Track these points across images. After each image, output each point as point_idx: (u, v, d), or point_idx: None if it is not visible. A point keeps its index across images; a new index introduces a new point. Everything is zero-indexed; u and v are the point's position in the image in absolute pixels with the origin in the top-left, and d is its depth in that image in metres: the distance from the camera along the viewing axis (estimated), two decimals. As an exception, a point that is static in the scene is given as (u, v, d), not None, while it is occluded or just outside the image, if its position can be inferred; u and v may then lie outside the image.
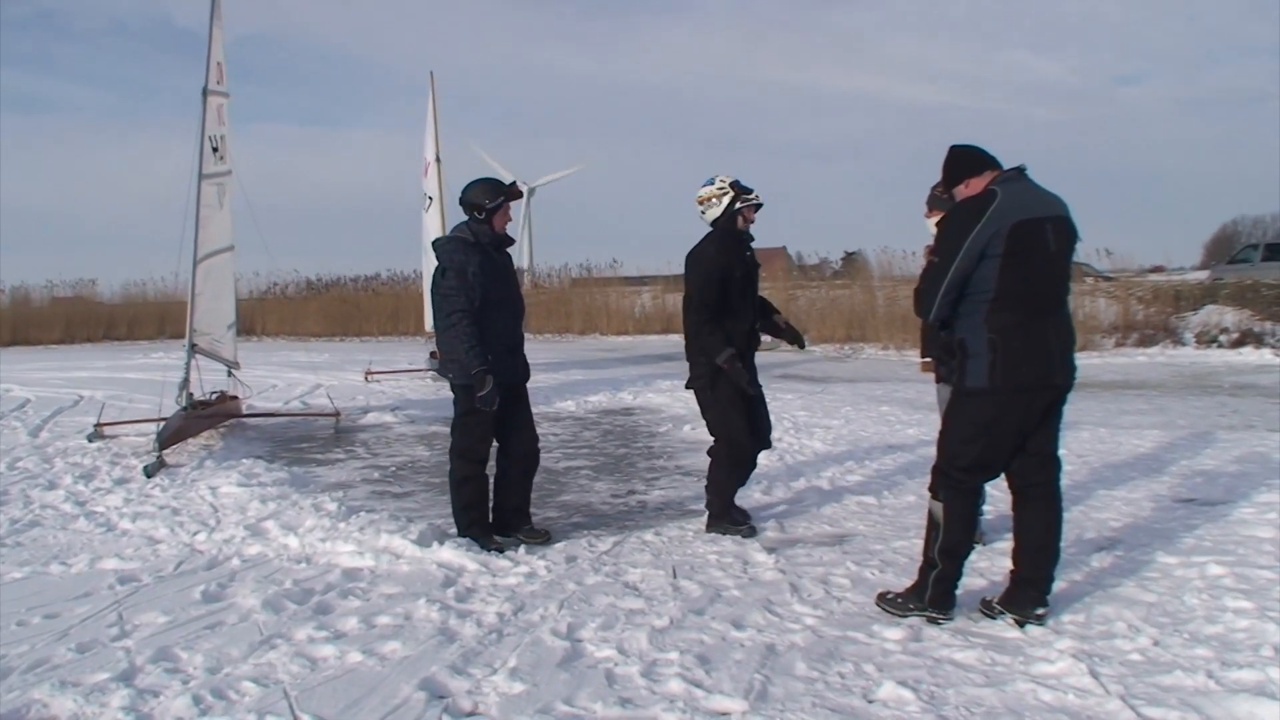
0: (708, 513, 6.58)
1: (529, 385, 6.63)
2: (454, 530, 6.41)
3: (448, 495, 7.84)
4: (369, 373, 17.81)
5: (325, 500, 7.41)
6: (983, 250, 4.37)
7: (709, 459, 6.65)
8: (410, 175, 19.04)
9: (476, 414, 6.11)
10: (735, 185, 6.46)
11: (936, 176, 6.15)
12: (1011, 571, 4.73)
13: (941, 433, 4.73)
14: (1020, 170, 4.59)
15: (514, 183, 6.44)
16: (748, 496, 7.13)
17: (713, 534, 6.41)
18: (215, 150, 11.63)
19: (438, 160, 18.10)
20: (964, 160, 4.71)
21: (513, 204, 6.32)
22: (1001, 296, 4.39)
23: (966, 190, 4.64)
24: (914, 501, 7.13)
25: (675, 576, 5.53)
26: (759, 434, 6.64)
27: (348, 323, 34.92)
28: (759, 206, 6.57)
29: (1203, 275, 32.63)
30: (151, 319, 35.71)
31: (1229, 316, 20.72)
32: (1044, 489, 4.66)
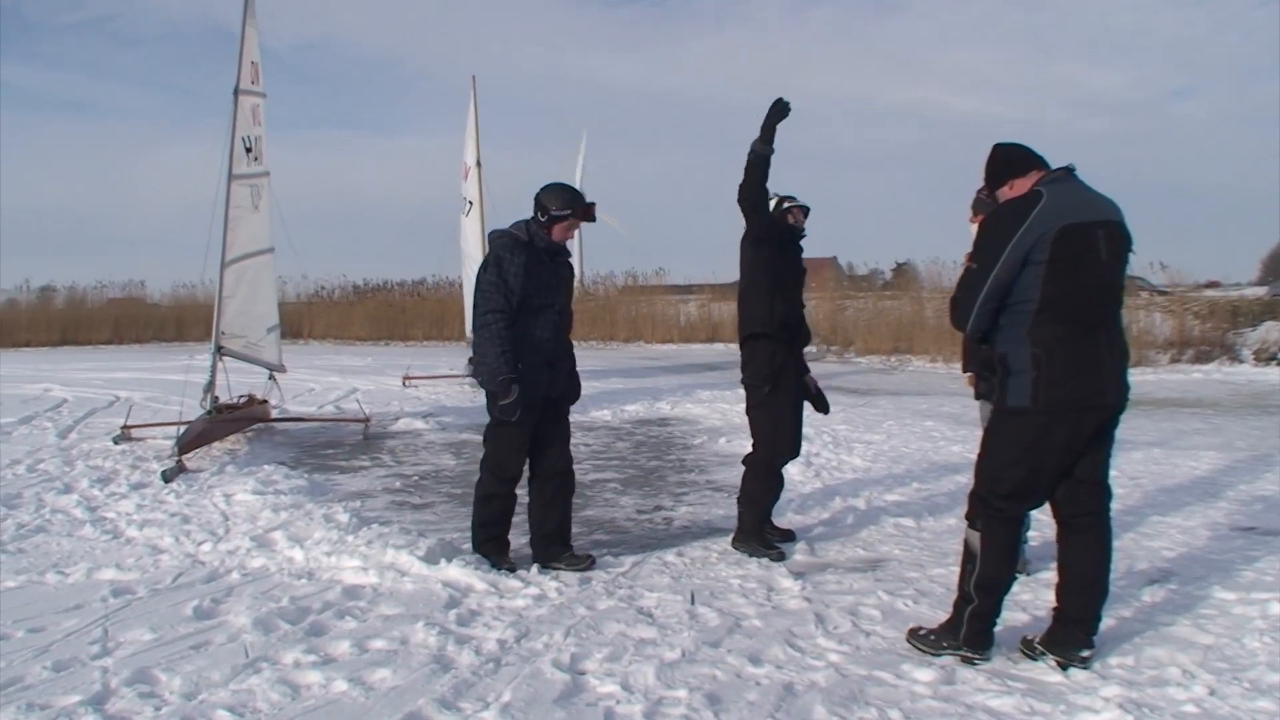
0: (737, 527, 6.23)
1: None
2: (467, 546, 6.11)
3: (468, 508, 7.61)
4: (406, 378, 17.60)
5: (339, 511, 7.13)
6: (1025, 256, 4.00)
7: (744, 468, 6.32)
8: (454, 180, 18.83)
9: (507, 425, 5.73)
10: (778, 195, 6.27)
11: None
12: (1055, 608, 4.34)
13: (980, 456, 4.35)
14: (1069, 170, 4.22)
15: (592, 204, 5.99)
16: (779, 515, 6.76)
17: (739, 554, 6.06)
18: (249, 151, 11.46)
19: (478, 164, 17.88)
20: (1008, 159, 4.33)
21: (580, 223, 6.01)
22: (1046, 307, 4.02)
23: (1011, 192, 4.27)
24: (955, 525, 6.73)
25: (693, 603, 5.18)
26: (797, 443, 6.33)
27: (393, 327, 34.89)
28: (807, 210, 6.38)
29: (1260, 291, 31.76)
30: (200, 320, 35.58)
31: (1289, 334, 20.04)
32: (1092, 519, 4.26)
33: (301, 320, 35.80)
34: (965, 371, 5.82)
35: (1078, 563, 4.27)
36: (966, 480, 8.26)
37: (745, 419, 6.41)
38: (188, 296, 38.44)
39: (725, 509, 7.18)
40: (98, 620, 4.98)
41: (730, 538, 6.25)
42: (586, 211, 5.89)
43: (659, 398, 14.68)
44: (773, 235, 6.16)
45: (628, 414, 13.26)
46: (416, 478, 8.96)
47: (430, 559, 5.74)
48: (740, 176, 5.99)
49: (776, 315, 6.14)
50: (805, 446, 9.74)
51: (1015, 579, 4.37)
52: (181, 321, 36.45)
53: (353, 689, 4.07)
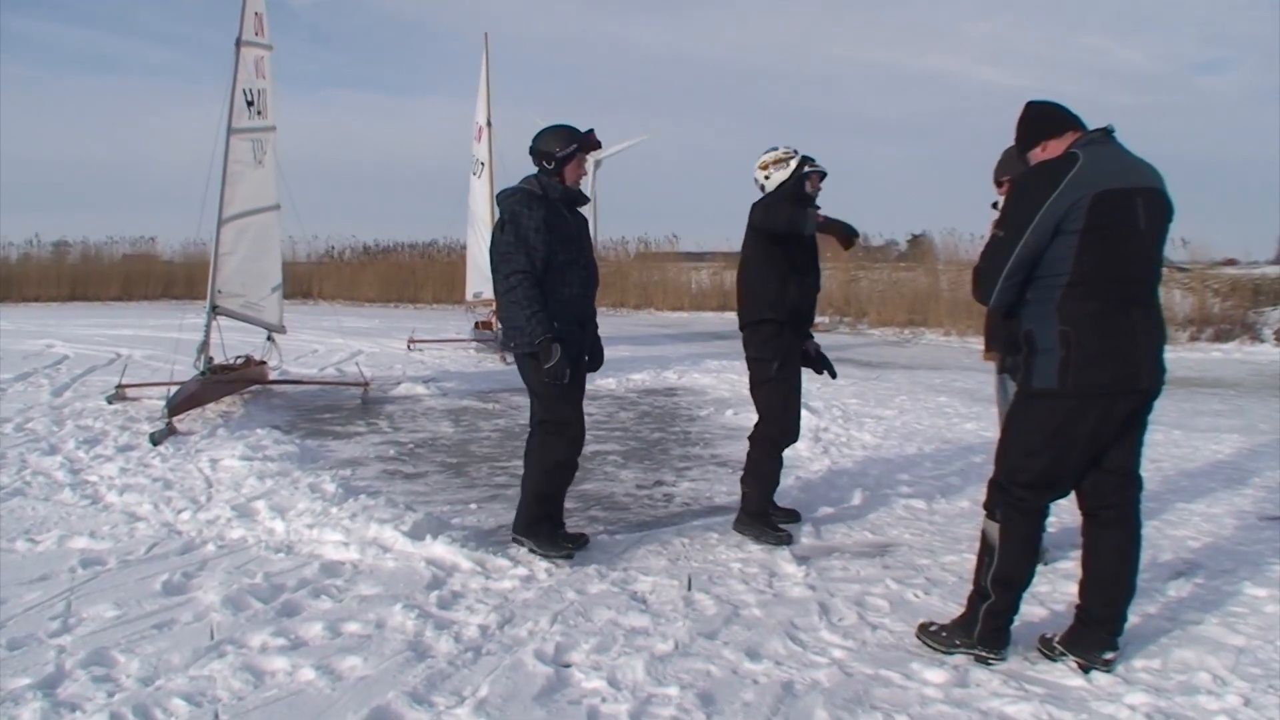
0: (740, 508, 5.92)
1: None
2: (457, 520, 5.84)
3: (461, 478, 7.34)
4: (411, 341, 17.32)
5: (326, 480, 6.85)
6: (1058, 224, 3.66)
7: (750, 445, 6.00)
8: (466, 142, 18.46)
9: (559, 388, 5.30)
10: (801, 155, 5.93)
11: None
12: (1078, 606, 4.03)
13: (1001, 441, 4.03)
14: (1107, 132, 3.87)
15: (590, 131, 5.51)
16: (784, 494, 6.47)
17: (741, 535, 5.77)
18: (251, 104, 11.12)
19: (489, 125, 17.52)
20: (1042, 118, 3.99)
21: (589, 157, 5.62)
22: (1078, 281, 3.68)
23: (1044, 154, 3.92)
24: (968, 508, 6.43)
25: (690, 588, 4.89)
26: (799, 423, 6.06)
27: (403, 289, 34.59)
28: (824, 175, 6.04)
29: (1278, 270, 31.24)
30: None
31: (1312, 314, 19.64)
32: (1120, 512, 3.95)
33: (311, 281, 35.59)
34: (989, 350, 5.44)
35: (1103, 559, 3.96)
36: (981, 460, 8.03)
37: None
38: (198, 253, 38.05)
39: (728, 485, 6.88)
40: (62, 594, 4.73)
41: (733, 518, 5.93)
42: (590, 140, 5.48)
43: (666, 366, 14.35)
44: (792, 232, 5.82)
45: (634, 383, 12.95)
46: (412, 445, 8.68)
47: (415, 534, 5.46)
48: (772, 217, 5.70)
49: (788, 303, 5.82)
50: (814, 421, 9.55)
51: (1035, 574, 4.05)
52: (191, 278, 36.07)
53: (320, 678, 3.80)
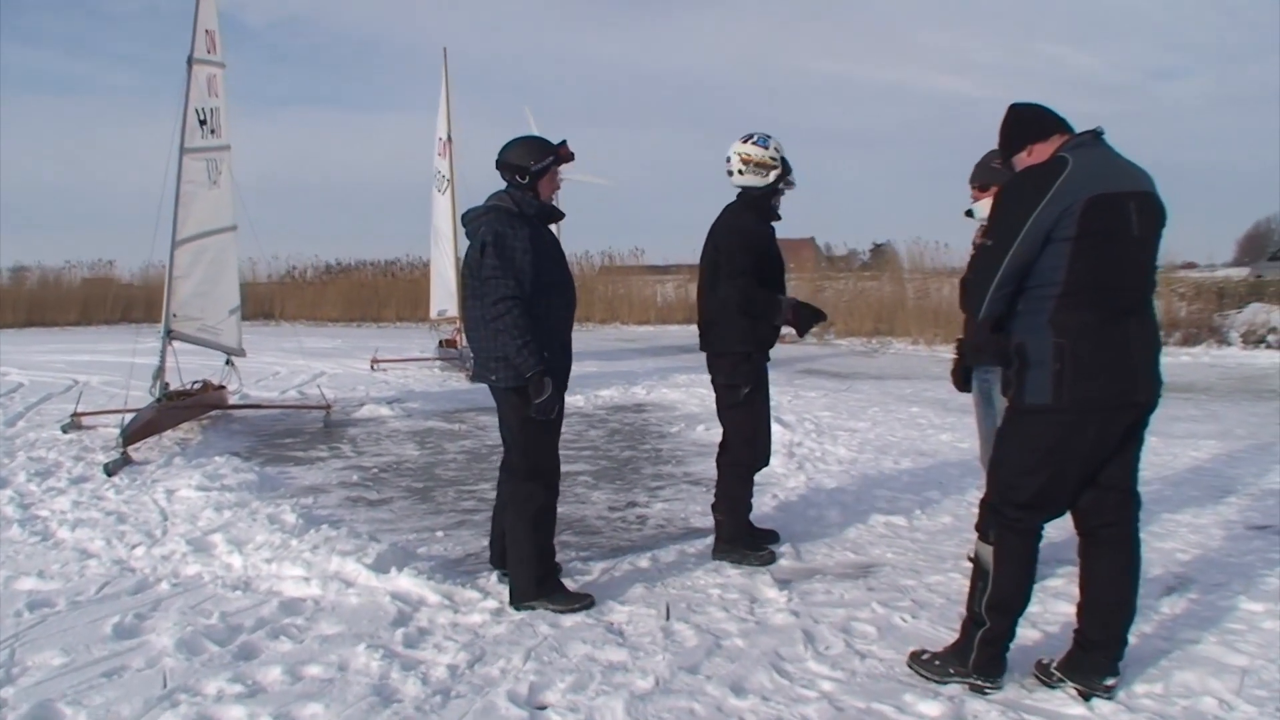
0: (716, 536, 5.71)
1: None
2: (423, 549, 5.61)
3: (427, 504, 7.10)
4: (375, 360, 17.04)
5: (286, 510, 6.60)
6: (1049, 231, 3.49)
7: (719, 471, 5.79)
8: (427, 158, 18.24)
9: (543, 423, 4.93)
10: (785, 162, 5.65)
11: (969, 168, 5.32)
12: (1076, 630, 3.86)
13: (993, 460, 3.85)
14: (1097, 134, 3.71)
15: (564, 142, 5.11)
16: (760, 514, 6.28)
17: (719, 560, 5.57)
18: (204, 123, 10.85)
19: (450, 139, 17.31)
20: (1027, 121, 3.82)
21: (561, 169, 5.18)
22: (1071, 290, 3.51)
23: (1030, 158, 3.75)
24: (949, 524, 6.27)
25: (668, 618, 4.68)
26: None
27: (366, 308, 34.25)
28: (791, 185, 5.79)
29: (1239, 272, 31.39)
30: (167, 301, 34.99)
31: (1276, 315, 19.66)
32: (1119, 531, 3.78)
33: (273, 301, 35.20)
34: (966, 363, 5.25)
35: (1102, 580, 3.79)
36: (958, 473, 7.88)
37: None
38: (157, 275, 37.48)
39: (702, 504, 6.68)
40: (6, 640, 4.47)
41: (711, 546, 5.72)
42: (564, 151, 5.08)
43: (634, 382, 14.17)
44: (765, 249, 5.65)
45: (602, 399, 12.75)
46: (376, 470, 8.43)
47: (379, 567, 5.22)
48: (745, 299, 5.48)
49: (760, 334, 5.62)
50: (788, 435, 9.40)
51: (1031, 598, 3.87)
52: (151, 301, 35.33)
53: (278, 729, 3.57)
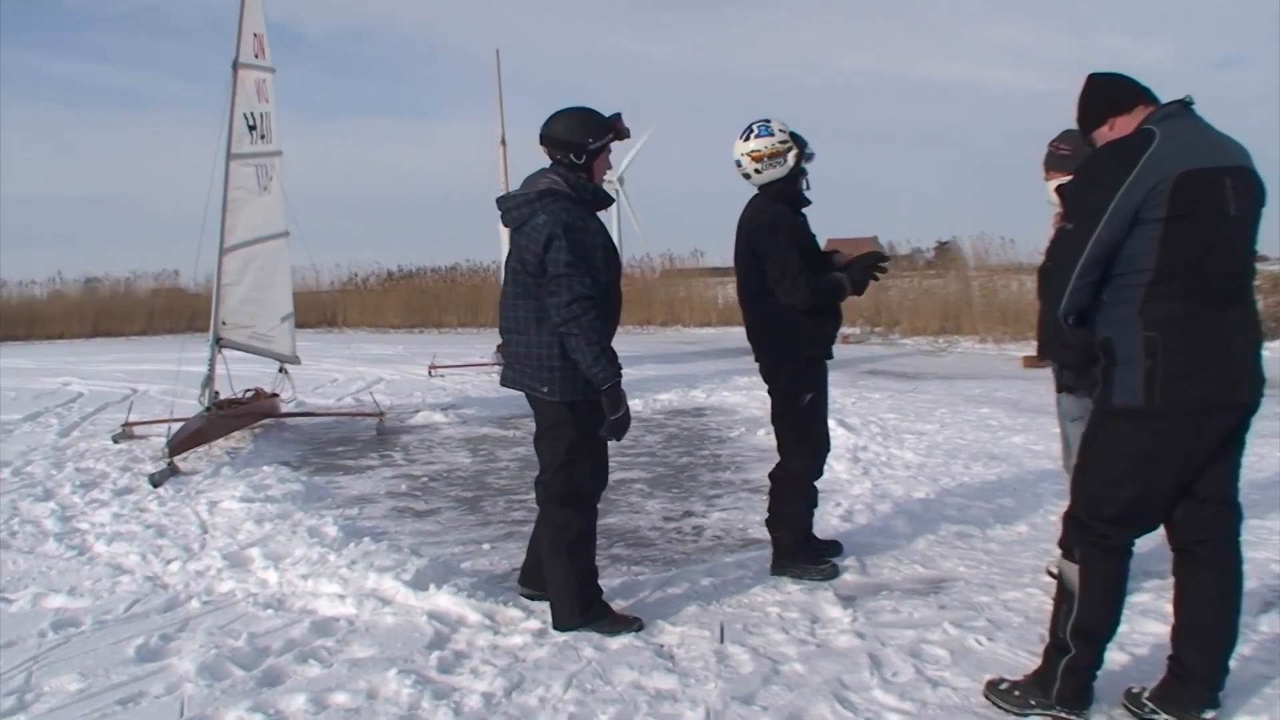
0: (774, 550, 5.36)
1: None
2: (467, 564, 5.33)
3: (475, 514, 6.84)
4: (433, 366, 16.85)
5: (328, 522, 6.37)
6: (1136, 212, 3.12)
7: (773, 484, 5.44)
8: (486, 164, 18.10)
9: (592, 444, 4.51)
10: (795, 137, 5.19)
11: (1032, 164, 4.94)
12: (1170, 657, 3.47)
13: (1077, 468, 3.47)
14: (1185, 104, 3.32)
15: (618, 115, 4.53)
16: (822, 523, 5.93)
17: (779, 575, 5.22)
18: (253, 128, 10.71)
19: (503, 141, 17.11)
20: (1107, 92, 3.44)
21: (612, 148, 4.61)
22: (1163, 278, 3.14)
23: (1112, 133, 3.37)
24: (1025, 533, 5.87)
25: (723, 640, 4.34)
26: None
27: (427, 314, 34.21)
28: (812, 157, 5.30)
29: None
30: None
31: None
32: (1217, 547, 3.39)
33: (335, 308, 35.33)
34: (1042, 359, 4.86)
35: (1200, 603, 3.40)
36: (1033, 477, 7.45)
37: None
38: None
39: (762, 513, 6.28)
40: (25, 663, 4.27)
41: (769, 561, 5.37)
42: (620, 126, 4.52)
43: (694, 385, 13.84)
44: (805, 243, 5.25)
45: (660, 403, 12.44)
46: (425, 479, 8.18)
47: (418, 584, 4.94)
48: (812, 300, 5.05)
49: (823, 331, 5.25)
50: (852, 439, 9.01)
51: (1120, 622, 3.49)
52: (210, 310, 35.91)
53: (296, 766, 3.30)
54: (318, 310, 34.28)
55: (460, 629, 4.54)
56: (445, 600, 4.79)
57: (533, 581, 4.80)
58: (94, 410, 12.71)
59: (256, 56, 10.85)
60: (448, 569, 5.32)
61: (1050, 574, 4.95)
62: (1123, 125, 3.34)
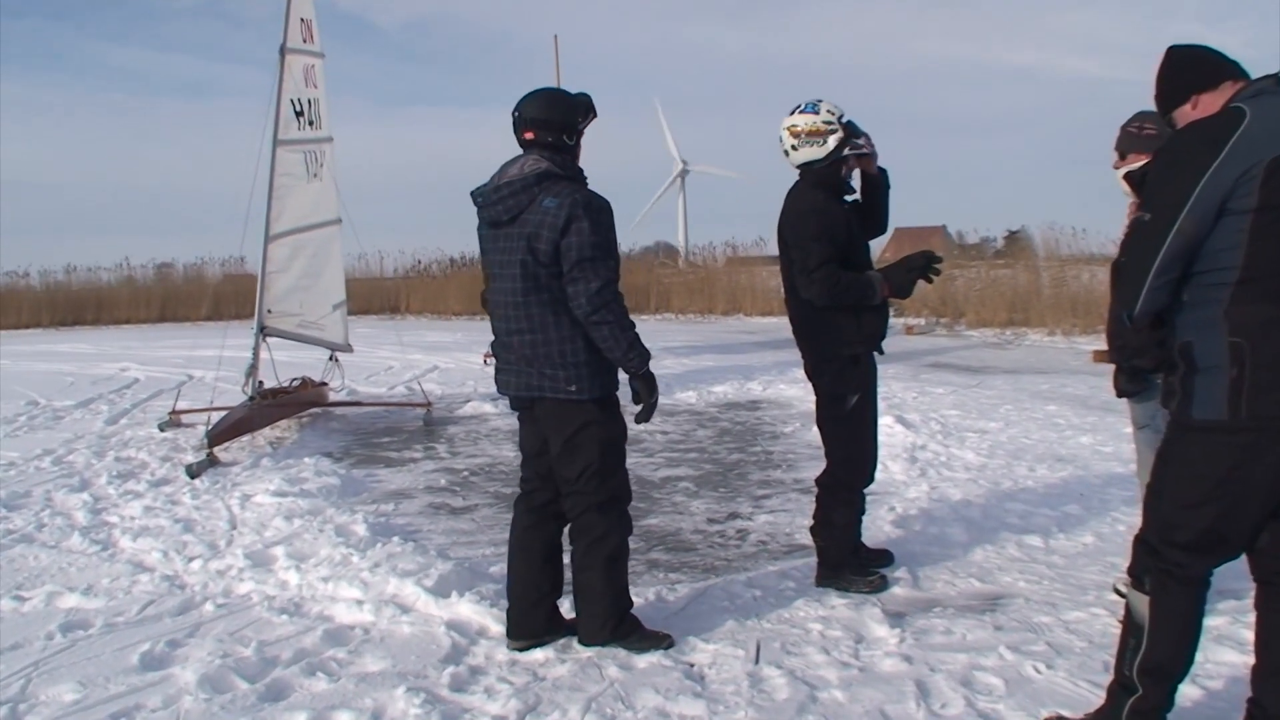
0: (818, 561, 5.04)
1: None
2: (497, 568, 5.04)
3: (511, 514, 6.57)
4: (486, 355, 16.62)
5: (359, 520, 6.15)
6: (1223, 201, 2.75)
7: (819, 490, 5.09)
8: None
9: (621, 443, 4.25)
10: (846, 124, 4.81)
11: (1103, 152, 4.54)
12: (1250, 700, 3.09)
13: (1150, 488, 3.10)
14: (1277, 79, 2.95)
15: (590, 95, 4.23)
16: (874, 528, 5.60)
17: (824, 588, 4.90)
18: (300, 114, 10.55)
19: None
20: (1190, 67, 3.06)
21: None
22: (1252, 277, 2.77)
23: (1195, 113, 2.99)
24: (1091, 545, 5.48)
25: (758, 661, 4.02)
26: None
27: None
28: (865, 155, 4.94)
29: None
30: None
31: None
32: None
33: (399, 295, 35.41)
34: (1114, 358, 4.47)
35: None
36: (1100, 482, 7.02)
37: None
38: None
39: (811, 516, 6.00)
40: (25, 668, 4.08)
41: (815, 571, 5.04)
42: (594, 106, 4.23)
43: (751, 377, 13.48)
44: (847, 233, 4.85)
45: (714, 396, 12.10)
46: (466, 473, 7.95)
47: (439, 591, 4.69)
48: (830, 294, 4.69)
49: (867, 330, 4.85)
50: (910, 437, 8.61)
51: (1194, 661, 3.12)
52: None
53: (283, 798, 3.05)
54: (381, 297, 34.44)
55: (480, 641, 4.27)
56: (467, 609, 4.53)
57: (527, 629, 4.27)
58: (147, 397, 12.67)
59: (305, 41, 10.70)
60: (474, 574, 5.06)
61: (1117, 592, 4.58)
62: (1208, 103, 2.96)
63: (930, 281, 4.94)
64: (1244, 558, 3.06)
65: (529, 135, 4.10)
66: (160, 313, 34.24)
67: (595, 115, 4.22)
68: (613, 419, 4.19)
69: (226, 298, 36.30)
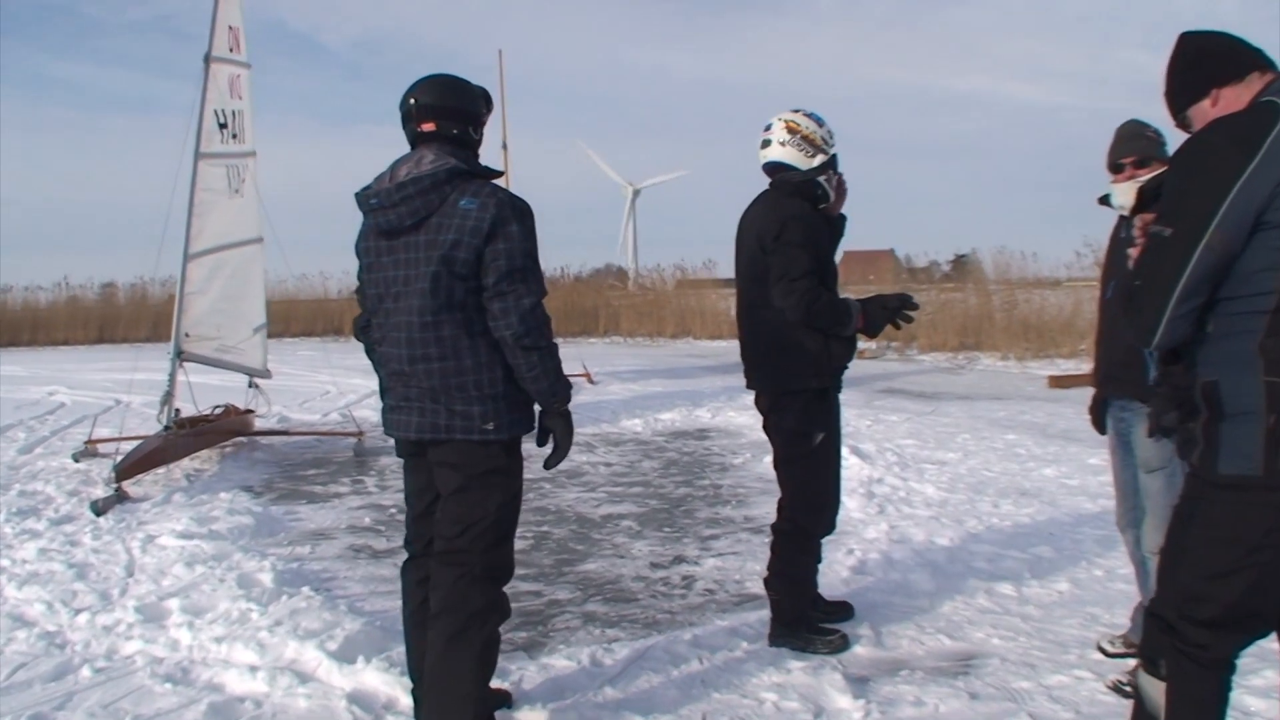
0: (772, 618, 4.54)
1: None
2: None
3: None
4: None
5: (266, 567, 5.60)
6: (1259, 213, 2.32)
7: (774, 537, 4.61)
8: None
9: (519, 496, 3.57)
10: (834, 157, 4.47)
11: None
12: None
13: (1166, 553, 2.65)
14: None
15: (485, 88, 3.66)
16: (831, 576, 5.15)
17: (779, 648, 4.41)
18: (224, 126, 10.00)
19: (504, 146, 16.33)
20: (1212, 55, 2.61)
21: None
22: None
23: (1217, 110, 2.55)
24: (1067, 593, 5.06)
25: (703, 739, 3.55)
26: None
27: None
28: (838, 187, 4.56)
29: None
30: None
31: None
32: None
33: (344, 317, 34.71)
34: (1099, 382, 4.03)
35: None
36: (1070, 519, 6.58)
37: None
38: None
39: (762, 561, 5.49)
40: None
41: (768, 626, 4.55)
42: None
43: (700, 403, 13.04)
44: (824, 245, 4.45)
45: (662, 424, 11.63)
46: (394, 510, 7.39)
47: (344, 655, 4.16)
48: (806, 310, 4.23)
49: (835, 359, 4.42)
50: (866, 470, 8.18)
51: None
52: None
53: None
54: (325, 319, 33.79)
55: (386, 717, 3.75)
56: (373, 677, 4.00)
57: None
58: (69, 424, 12.08)
59: (232, 50, 10.19)
60: (385, 633, 4.51)
61: (1102, 651, 4.16)
62: (1231, 98, 2.53)
63: (898, 328, 4.52)
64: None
65: (428, 126, 3.47)
66: (99, 334, 33.35)
67: (491, 109, 3.65)
68: (518, 471, 3.54)
69: (168, 319, 35.43)
